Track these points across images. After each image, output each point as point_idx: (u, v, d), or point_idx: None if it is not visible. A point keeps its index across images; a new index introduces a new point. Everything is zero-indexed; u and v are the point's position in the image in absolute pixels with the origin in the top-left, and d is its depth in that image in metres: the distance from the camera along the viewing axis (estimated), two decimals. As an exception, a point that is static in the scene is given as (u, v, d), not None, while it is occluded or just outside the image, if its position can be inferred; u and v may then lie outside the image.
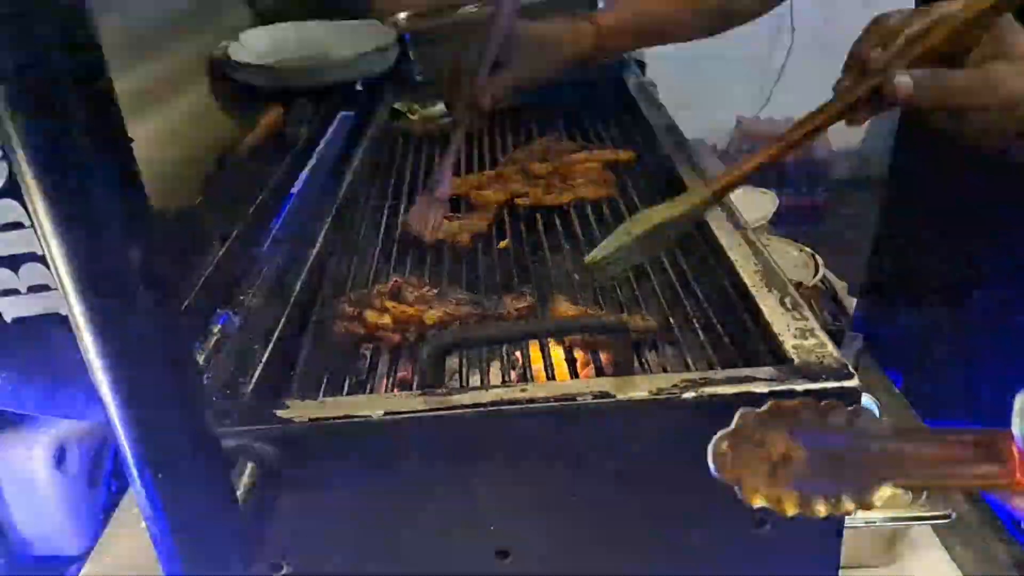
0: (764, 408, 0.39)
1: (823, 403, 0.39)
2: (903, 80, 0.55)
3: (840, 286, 1.40)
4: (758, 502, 0.38)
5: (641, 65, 1.22)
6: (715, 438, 0.38)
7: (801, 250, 1.08)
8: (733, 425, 0.38)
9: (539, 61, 0.92)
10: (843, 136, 3.64)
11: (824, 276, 1.17)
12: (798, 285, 0.91)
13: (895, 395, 0.88)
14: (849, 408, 0.40)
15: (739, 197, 1.18)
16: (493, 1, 0.91)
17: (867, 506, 0.39)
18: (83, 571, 0.75)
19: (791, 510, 0.39)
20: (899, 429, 0.41)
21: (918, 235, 1.04)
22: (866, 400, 0.64)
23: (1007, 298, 0.91)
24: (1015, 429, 0.39)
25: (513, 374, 0.61)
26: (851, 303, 1.29)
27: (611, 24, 0.97)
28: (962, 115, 0.57)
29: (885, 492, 0.39)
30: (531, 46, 0.91)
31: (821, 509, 0.39)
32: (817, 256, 1.06)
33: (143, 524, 0.39)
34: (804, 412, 0.39)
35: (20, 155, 0.30)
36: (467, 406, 0.49)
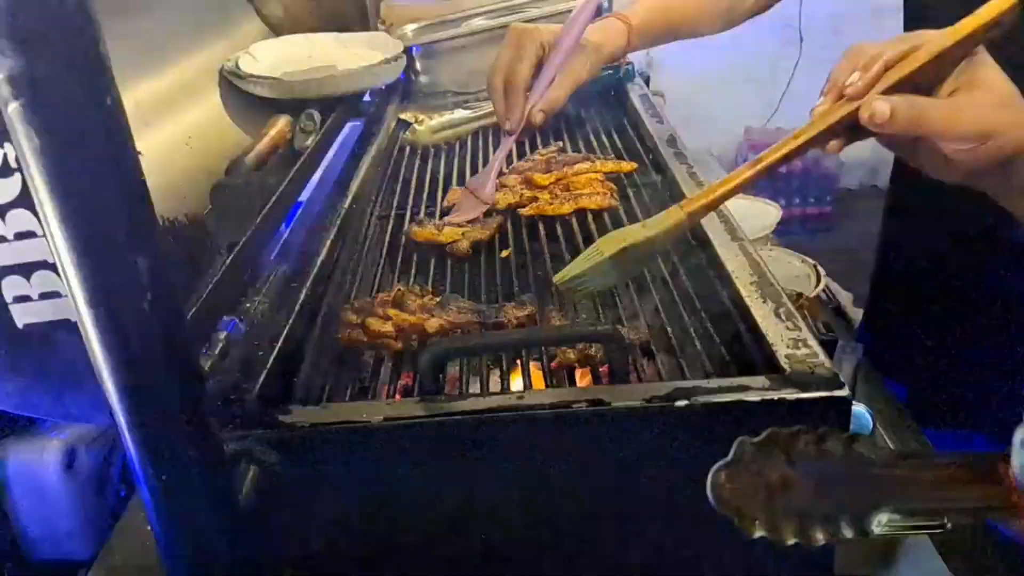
0: (761, 437, 0.39)
1: (820, 430, 0.40)
2: (881, 107, 0.55)
3: (845, 297, 1.40)
4: (757, 532, 0.39)
5: (645, 78, 1.23)
6: (713, 469, 0.38)
7: (803, 261, 1.09)
8: (731, 455, 0.38)
9: (583, 68, 0.95)
10: (852, 146, 3.63)
11: (827, 287, 1.17)
12: (799, 296, 0.91)
13: (895, 405, 0.88)
14: (846, 435, 0.40)
15: (742, 207, 1.20)
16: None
17: (865, 532, 0.39)
18: (90, 574, 0.76)
19: (790, 538, 0.39)
20: (895, 454, 0.42)
21: (921, 247, 1.04)
22: (859, 409, 0.65)
23: (1010, 309, 0.92)
24: (1014, 461, 0.39)
25: (514, 381, 0.62)
26: (856, 314, 1.29)
27: (641, 22, 1.00)
28: (932, 145, 0.57)
29: (883, 518, 0.39)
30: (574, 54, 0.93)
31: (820, 536, 0.39)
32: (819, 267, 1.07)
33: (149, 527, 0.41)
34: (801, 440, 0.39)
35: (33, 167, 0.31)
36: (465, 412, 0.50)
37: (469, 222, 0.85)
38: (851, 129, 0.58)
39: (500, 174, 0.92)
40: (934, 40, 0.56)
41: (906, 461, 0.41)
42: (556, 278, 0.61)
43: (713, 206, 0.60)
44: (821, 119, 0.58)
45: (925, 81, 0.56)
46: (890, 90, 0.56)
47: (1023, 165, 0.57)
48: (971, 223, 0.95)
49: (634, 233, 0.59)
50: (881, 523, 0.39)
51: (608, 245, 0.60)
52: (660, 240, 0.59)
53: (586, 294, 0.61)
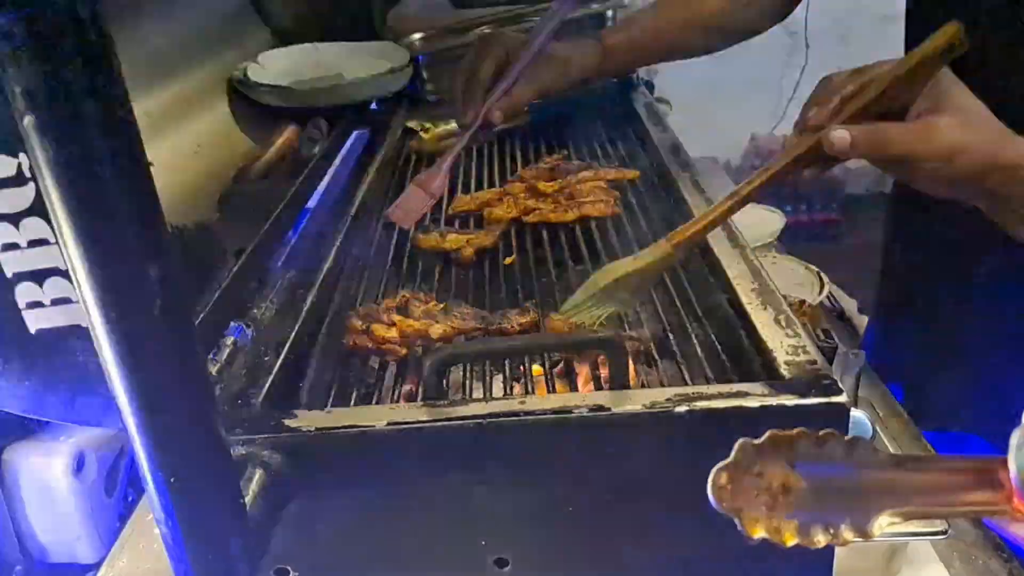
0: (762, 439, 0.39)
1: (821, 432, 0.39)
2: (840, 135, 0.57)
3: (850, 304, 1.40)
4: (758, 533, 0.38)
5: (649, 85, 1.24)
6: (714, 470, 0.37)
7: (807, 268, 1.09)
8: (731, 457, 0.38)
9: (548, 78, 0.95)
10: (859, 153, 3.63)
11: (831, 294, 1.18)
12: (802, 303, 0.92)
13: (898, 413, 0.88)
14: (847, 438, 0.40)
15: (747, 215, 1.20)
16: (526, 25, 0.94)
17: (867, 536, 0.39)
18: (98, 576, 0.77)
19: (791, 540, 0.39)
20: (896, 457, 0.41)
21: (923, 252, 1.05)
22: (859, 416, 0.65)
23: (1007, 313, 0.92)
24: (1012, 464, 0.39)
25: (516, 387, 0.63)
26: (862, 320, 1.29)
27: (616, 43, 1.00)
28: (907, 165, 0.59)
29: (884, 521, 0.39)
30: (541, 63, 0.94)
31: (820, 539, 0.39)
32: (823, 274, 1.07)
33: (156, 531, 0.41)
34: (802, 442, 0.39)
35: (46, 177, 0.32)
36: (467, 417, 0.51)
37: (454, 229, 0.85)
38: (824, 158, 0.60)
39: (506, 182, 0.93)
40: (885, 71, 0.59)
41: (906, 464, 0.42)
42: (561, 310, 0.65)
43: (697, 237, 0.63)
44: (789, 151, 0.61)
45: (893, 107, 0.59)
46: (851, 119, 0.58)
47: (998, 178, 0.59)
48: (973, 228, 0.95)
49: (625, 265, 0.64)
50: (882, 526, 0.39)
51: (602, 277, 0.64)
52: (649, 270, 0.63)
53: (592, 322, 0.65)
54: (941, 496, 0.41)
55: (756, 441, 0.38)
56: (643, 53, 1.05)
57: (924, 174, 0.59)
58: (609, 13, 1.32)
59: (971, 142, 0.57)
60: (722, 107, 3.33)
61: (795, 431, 0.39)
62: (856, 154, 0.58)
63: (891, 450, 0.78)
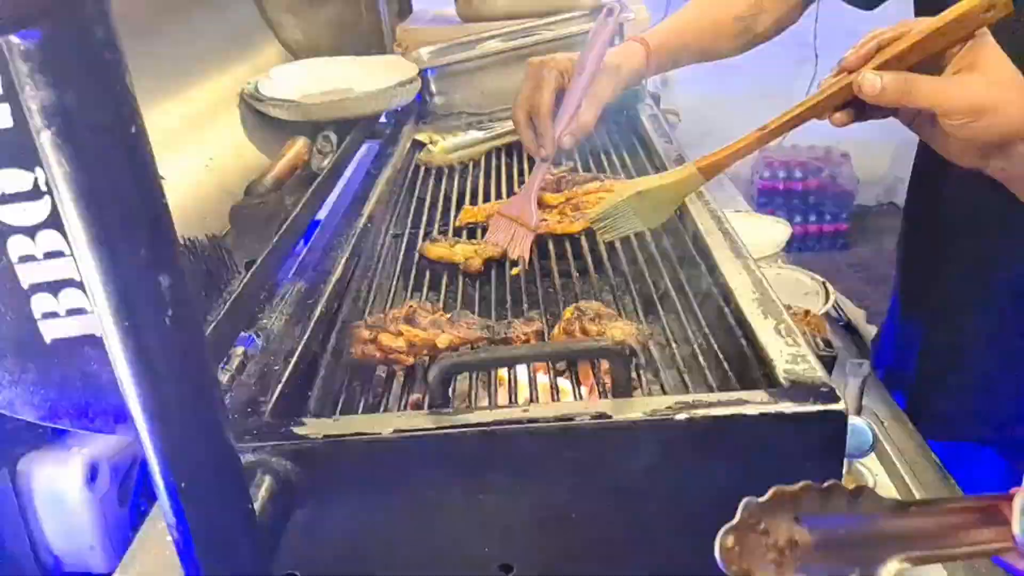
0: (766, 496, 0.38)
1: (824, 485, 0.39)
2: (871, 78, 0.59)
3: (858, 314, 1.40)
4: None
5: (656, 98, 1.25)
6: (720, 532, 0.37)
7: (813, 278, 1.10)
8: (737, 517, 0.38)
9: (607, 90, 0.97)
10: (868, 163, 3.64)
11: (837, 304, 1.18)
12: (806, 313, 0.92)
13: (902, 422, 0.89)
14: (851, 488, 0.40)
15: (752, 226, 1.21)
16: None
17: None
18: (111, 583, 0.78)
19: None
20: (900, 503, 0.41)
21: (936, 263, 1.05)
22: (859, 424, 0.66)
23: (1011, 320, 0.92)
24: (1016, 528, 0.39)
25: (520, 395, 0.64)
26: (869, 330, 1.29)
27: (660, 43, 1.03)
28: (933, 120, 0.60)
29: (892, 568, 0.39)
30: (596, 77, 0.96)
31: None
32: (828, 284, 1.08)
33: (169, 540, 0.42)
34: (806, 496, 0.39)
35: (62, 191, 0.33)
36: (472, 425, 0.52)
37: (462, 239, 0.86)
38: (858, 107, 0.62)
39: (512, 194, 0.94)
40: (923, 24, 0.60)
41: (910, 510, 0.41)
42: (587, 219, 0.71)
43: (722, 164, 0.67)
44: (821, 90, 0.64)
45: (928, 63, 0.60)
46: (886, 66, 0.60)
47: (1023, 149, 0.59)
48: (987, 242, 0.96)
49: (648, 181, 0.69)
50: (890, 572, 0.39)
51: (626, 188, 0.69)
52: (673, 189, 0.67)
53: (614, 236, 0.71)
54: (947, 538, 0.41)
55: (760, 499, 0.38)
56: (683, 54, 1.07)
57: (949, 131, 0.60)
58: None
59: (999, 103, 0.58)
60: (732, 118, 3.33)
61: (799, 486, 0.39)
62: (885, 99, 0.59)
63: (895, 458, 0.78)
